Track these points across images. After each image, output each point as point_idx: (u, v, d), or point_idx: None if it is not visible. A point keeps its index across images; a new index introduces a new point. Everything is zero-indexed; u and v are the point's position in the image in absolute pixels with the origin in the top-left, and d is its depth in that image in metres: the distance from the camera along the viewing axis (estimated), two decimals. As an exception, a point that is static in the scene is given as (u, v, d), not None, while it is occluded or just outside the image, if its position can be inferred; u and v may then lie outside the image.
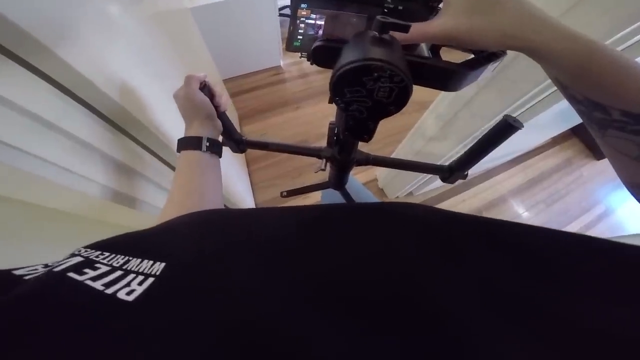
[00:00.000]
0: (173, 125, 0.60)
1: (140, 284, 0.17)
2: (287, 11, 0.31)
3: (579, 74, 0.26)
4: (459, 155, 0.58)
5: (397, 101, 0.26)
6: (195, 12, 1.67)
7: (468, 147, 0.55)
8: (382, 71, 0.23)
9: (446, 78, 0.32)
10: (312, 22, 0.30)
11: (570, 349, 0.14)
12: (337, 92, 0.26)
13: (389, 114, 0.27)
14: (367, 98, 0.26)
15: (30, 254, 0.41)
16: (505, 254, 0.21)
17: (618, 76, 0.25)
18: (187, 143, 0.47)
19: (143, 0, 0.65)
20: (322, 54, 0.30)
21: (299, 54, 0.33)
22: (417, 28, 0.28)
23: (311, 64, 0.32)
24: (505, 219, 0.24)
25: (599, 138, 0.29)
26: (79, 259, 0.19)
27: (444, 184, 0.61)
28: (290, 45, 0.32)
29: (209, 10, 1.81)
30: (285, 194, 0.76)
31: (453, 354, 0.14)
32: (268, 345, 0.14)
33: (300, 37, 0.31)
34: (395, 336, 0.15)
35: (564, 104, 0.82)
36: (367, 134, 0.32)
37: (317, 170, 0.58)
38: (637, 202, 0.29)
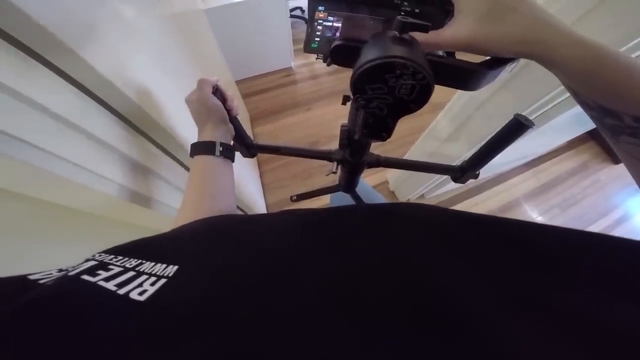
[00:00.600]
0: (188, 126, 0.60)
1: (152, 284, 0.18)
2: (299, 12, 0.31)
3: (589, 81, 0.26)
4: (470, 155, 0.57)
5: (418, 98, 0.26)
6: (209, 14, 1.70)
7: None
8: (404, 68, 0.23)
9: (465, 77, 0.32)
10: (330, 24, 0.31)
11: (590, 348, 0.14)
12: (358, 89, 0.26)
13: (409, 111, 0.27)
14: (388, 95, 0.26)
15: (47, 252, 0.43)
16: (521, 254, 0.20)
17: (630, 82, 0.24)
18: (201, 148, 0.47)
19: (159, 2, 0.66)
20: (341, 52, 0.31)
21: (315, 56, 0.34)
22: (430, 37, 0.28)
23: (328, 64, 0.32)
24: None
25: (613, 144, 0.29)
26: (92, 262, 0.19)
27: (457, 186, 0.60)
28: (307, 46, 0.33)
29: (222, 12, 1.84)
30: (295, 198, 0.76)
31: (467, 355, 0.14)
32: (257, 349, 0.15)
33: (318, 39, 0.32)
34: (404, 340, 0.15)
35: (580, 108, 0.80)
36: (386, 132, 0.32)
37: (328, 173, 0.58)
38: None
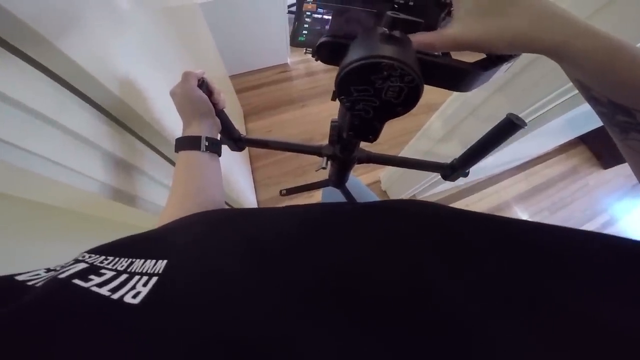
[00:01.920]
0: (178, 122, 0.59)
1: (145, 284, 0.18)
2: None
3: (602, 74, 0.25)
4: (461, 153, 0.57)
5: (406, 102, 0.25)
6: (205, 8, 1.67)
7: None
8: (392, 70, 0.22)
9: (459, 78, 0.31)
10: (319, 16, 0.29)
11: (584, 347, 0.14)
12: (343, 90, 0.25)
13: (396, 114, 0.26)
14: (374, 97, 0.25)
15: (25, 249, 0.41)
16: (518, 252, 0.20)
17: None
18: (186, 143, 0.46)
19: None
20: (328, 50, 0.29)
21: (304, 50, 0.32)
22: (429, 37, 0.27)
23: (316, 59, 0.31)
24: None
25: (619, 141, 0.28)
26: (83, 265, 0.19)
27: (448, 187, 0.60)
28: (294, 40, 0.31)
29: (218, 6, 1.81)
30: (284, 192, 0.76)
31: (458, 352, 0.14)
32: (252, 345, 0.15)
33: (306, 32, 0.30)
34: (390, 334, 0.16)
35: (574, 112, 0.81)
36: (373, 135, 0.31)
37: (318, 169, 0.58)
38: None
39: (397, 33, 0.24)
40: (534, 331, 0.15)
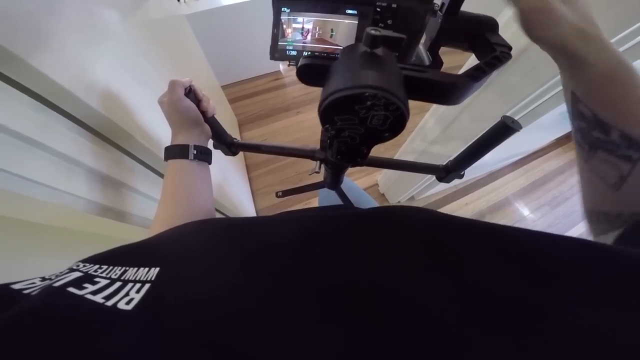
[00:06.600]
0: (166, 134, 0.58)
1: (138, 291, 0.18)
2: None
3: (601, 85, 0.25)
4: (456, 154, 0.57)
5: (392, 128, 0.24)
6: (191, 19, 1.67)
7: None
8: (376, 99, 0.21)
9: (448, 92, 0.28)
10: (299, 25, 0.28)
11: (570, 352, 0.14)
12: (327, 119, 0.24)
13: (383, 140, 0.25)
14: (359, 126, 0.24)
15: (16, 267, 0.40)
16: (506, 260, 0.20)
17: (636, 92, 0.24)
18: (174, 152, 0.46)
19: (135, 8, 0.63)
20: (309, 72, 0.28)
21: (288, 63, 0.31)
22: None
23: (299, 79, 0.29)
24: (509, 221, 0.23)
25: (584, 159, 0.30)
26: (77, 273, 0.19)
27: (447, 187, 0.60)
28: (274, 53, 0.30)
29: (205, 17, 1.81)
30: (280, 194, 0.76)
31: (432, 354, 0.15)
32: (241, 347, 0.15)
33: (285, 43, 0.29)
34: (377, 340, 0.16)
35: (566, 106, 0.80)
36: (361, 157, 0.30)
37: (311, 173, 0.58)
38: (590, 230, 0.31)
39: (379, 51, 0.23)
40: (510, 336, 0.15)
